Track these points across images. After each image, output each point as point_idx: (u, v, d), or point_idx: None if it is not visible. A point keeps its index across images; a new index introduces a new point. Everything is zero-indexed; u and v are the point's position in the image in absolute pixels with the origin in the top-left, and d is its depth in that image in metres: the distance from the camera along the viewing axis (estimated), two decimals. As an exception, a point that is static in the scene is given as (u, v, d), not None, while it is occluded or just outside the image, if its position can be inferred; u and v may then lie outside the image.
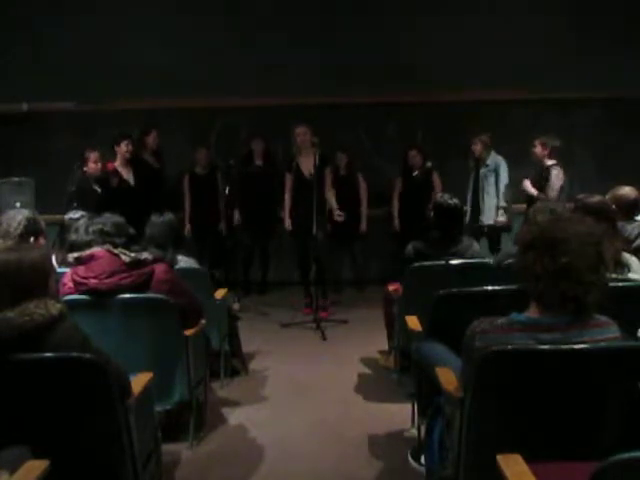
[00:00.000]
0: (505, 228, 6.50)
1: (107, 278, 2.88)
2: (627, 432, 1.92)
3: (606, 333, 1.95)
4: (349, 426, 3.55)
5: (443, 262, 3.79)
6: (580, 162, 6.51)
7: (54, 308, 2.11)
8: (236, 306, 4.66)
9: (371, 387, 4.17)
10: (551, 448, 1.90)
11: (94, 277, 2.88)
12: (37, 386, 2.10)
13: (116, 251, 2.94)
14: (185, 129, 7.26)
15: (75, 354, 2.10)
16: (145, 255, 3.06)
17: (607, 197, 3.68)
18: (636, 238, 3.49)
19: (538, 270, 1.89)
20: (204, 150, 6.83)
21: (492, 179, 6.50)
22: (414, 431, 3.31)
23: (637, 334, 2.41)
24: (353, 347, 4.93)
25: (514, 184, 6.81)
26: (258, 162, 6.78)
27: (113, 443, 2.19)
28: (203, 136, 7.22)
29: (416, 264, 3.79)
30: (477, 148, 6.51)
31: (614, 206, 3.48)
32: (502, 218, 6.46)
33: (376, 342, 4.75)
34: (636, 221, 3.71)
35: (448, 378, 2.29)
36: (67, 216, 5.13)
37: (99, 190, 5.70)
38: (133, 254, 2.98)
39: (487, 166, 6.52)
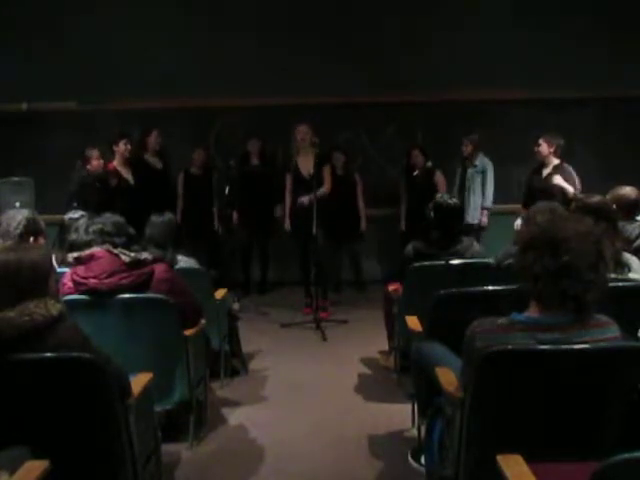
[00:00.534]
0: (484, 228, 6.61)
1: (107, 278, 2.88)
2: (627, 432, 1.92)
3: (606, 333, 1.95)
4: (349, 426, 3.55)
5: (443, 262, 3.79)
6: (580, 162, 6.49)
7: (54, 308, 2.11)
8: (236, 306, 4.65)
9: (371, 387, 4.17)
10: (551, 448, 1.90)
11: (94, 277, 2.88)
12: (37, 386, 2.10)
13: (116, 251, 2.94)
14: (185, 129, 7.25)
15: (75, 354, 2.10)
16: (145, 255, 3.06)
17: (607, 197, 3.68)
18: (636, 238, 3.49)
19: (538, 270, 1.89)
20: (201, 151, 6.82)
21: (479, 180, 6.59)
22: (414, 431, 3.31)
23: (637, 334, 2.41)
24: (353, 347, 4.93)
25: (515, 184, 6.83)
26: (255, 162, 6.78)
27: (113, 443, 2.19)
28: (203, 136, 7.22)
29: (416, 264, 3.79)
30: (468, 149, 6.56)
31: (614, 206, 3.48)
32: (485, 219, 6.58)
33: (376, 342, 4.74)
34: (636, 221, 3.71)
35: (448, 378, 2.29)
36: (67, 216, 5.13)
37: (101, 189, 5.69)
38: (133, 254, 2.98)
39: (475, 167, 6.59)
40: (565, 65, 6.92)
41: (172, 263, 3.60)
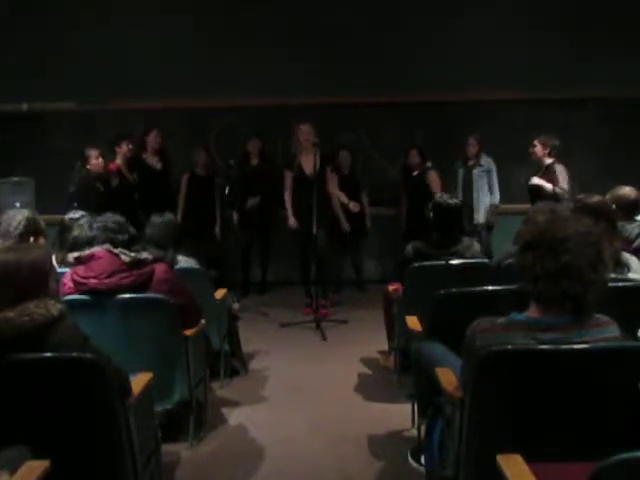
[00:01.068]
0: (491, 227, 6.63)
1: (107, 278, 2.88)
2: (627, 432, 1.92)
3: (606, 333, 1.95)
4: (349, 426, 3.55)
5: (443, 262, 3.79)
6: (580, 162, 6.51)
7: (54, 308, 2.11)
8: (236, 306, 4.65)
9: (371, 387, 4.17)
10: (551, 448, 1.90)
11: (94, 277, 2.88)
12: (37, 386, 2.09)
13: (116, 251, 2.94)
14: (185, 129, 7.26)
15: (75, 354, 2.10)
16: (145, 255, 3.06)
17: (607, 197, 3.68)
18: (636, 238, 3.49)
19: (538, 270, 1.89)
20: (203, 152, 6.82)
21: (486, 179, 6.62)
22: (414, 431, 3.30)
23: (637, 334, 2.41)
24: (353, 347, 4.93)
25: (516, 184, 6.83)
26: (255, 162, 6.78)
27: (113, 443, 2.19)
28: (203, 136, 7.22)
29: (416, 264, 3.79)
30: (474, 149, 6.56)
31: (614, 206, 3.48)
32: (493, 218, 6.60)
33: (376, 342, 4.74)
34: (636, 221, 3.71)
35: (448, 378, 2.29)
36: (67, 216, 5.12)
37: (101, 188, 5.69)
38: (133, 254, 2.97)
39: (481, 166, 6.62)
40: (565, 65, 6.93)
41: (172, 263, 3.60)
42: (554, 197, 5.79)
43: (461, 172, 6.74)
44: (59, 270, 2.99)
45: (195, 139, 7.08)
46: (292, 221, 6.12)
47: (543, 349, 1.91)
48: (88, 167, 5.72)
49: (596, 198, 3.36)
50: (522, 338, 1.94)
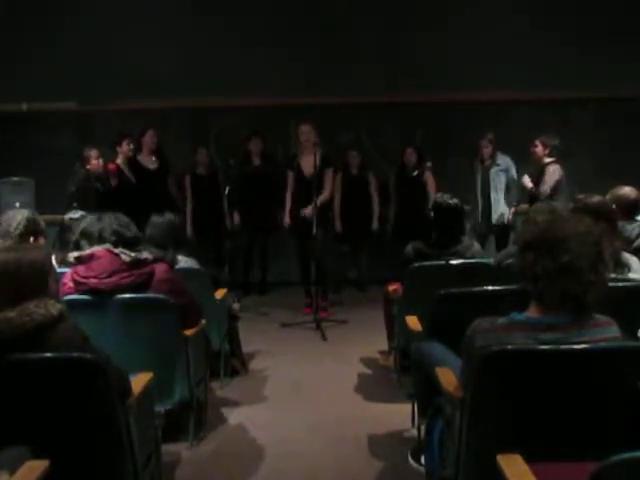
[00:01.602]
0: (512, 227, 6.56)
1: (107, 278, 2.88)
2: (627, 432, 1.92)
3: (606, 333, 1.95)
4: (349, 426, 3.54)
5: (443, 262, 3.79)
6: (580, 162, 6.51)
7: (54, 308, 2.11)
8: (236, 306, 4.65)
9: (371, 387, 4.17)
10: (551, 448, 1.90)
11: (94, 277, 2.88)
12: (37, 386, 2.09)
13: (116, 251, 2.93)
14: (185, 129, 7.26)
15: (75, 354, 2.10)
16: (145, 255, 3.05)
17: (607, 197, 3.68)
18: (636, 238, 3.49)
19: (538, 270, 1.89)
20: (204, 150, 6.83)
21: (504, 178, 6.54)
22: (414, 431, 3.30)
23: (637, 334, 2.41)
24: (353, 347, 4.93)
25: (515, 184, 6.81)
26: (256, 162, 6.78)
27: (113, 443, 2.19)
28: (203, 136, 7.22)
29: (416, 264, 3.79)
30: (488, 150, 6.52)
31: (614, 206, 3.48)
32: (512, 217, 6.52)
33: (376, 342, 4.74)
34: (636, 221, 3.71)
35: (448, 378, 2.29)
36: (67, 216, 5.13)
37: (101, 189, 5.69)
38: (133, 254, 2.97)
39: (498, 165, 6.54)
40: (565, 65, 6.93)
41: (172, 263, 3.59)
42: (533, 196, 5.87)
43: (480, 174, 6.68)
44: (59, 270, 2.99)
45: (195, 139, 7.08)
46: (286, 220, 6.13)
47: (543, 349, 1.91)
48: (88, 167, 5.72)
49: (596, 198, 3.36)
50: (522, 338, 1.94)
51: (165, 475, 2.89)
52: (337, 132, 7.18)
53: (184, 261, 3.92)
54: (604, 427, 1.94)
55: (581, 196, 3.50)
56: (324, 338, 5.25)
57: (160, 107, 7.12)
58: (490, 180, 6.55)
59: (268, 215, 6.73)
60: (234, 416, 3.75)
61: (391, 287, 4.18)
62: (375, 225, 6.90)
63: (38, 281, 2.13)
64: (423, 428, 2.77)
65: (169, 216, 3.99)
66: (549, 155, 6.03)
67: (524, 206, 6.20)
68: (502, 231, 6.48)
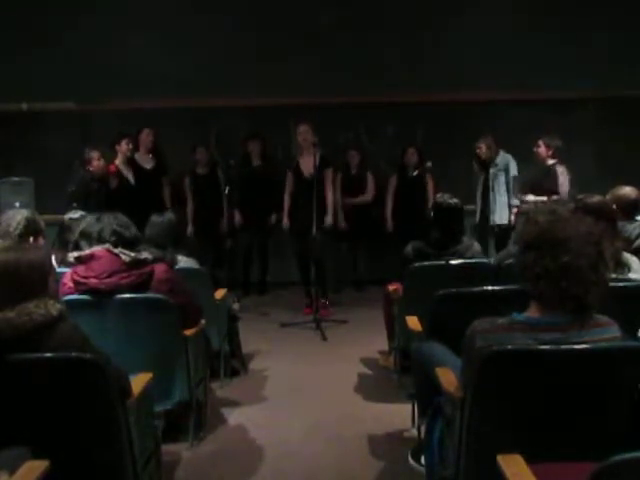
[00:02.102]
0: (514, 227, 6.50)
1: (107, 278, 2.87)
2: (627, 432, 1.92)
3: (606, 333, 1.95)
4: (349, 426, 3.54)
5: (443, 262, 3.79)
6: (580, 162, 6.50)
7: (54, 308, 2.11)
8: (236, 306, 4.65)
9: (371, 387, 4.17)
10: (551, 448, 1.90)
11: (94, 277, 2.87)
12: (37, 386, 2.09)
13: (116, 251, 2.93)
14: (185, 129, 7.25)
15: (75, 354, 2.10)
16: (145, 255, 3.05)
17: (607, 197, 3.68)
18: (636, 238, 3.49)
19: (538, 270, 1.89)
20: (203, 149, 6.83)
21: (502, 178, 6.48)
22: (414, 431, 3.30)
23: (637, 334, 2.41)
24: (353, 347, 4.93)
25: (515, 184, 6.81)
26: (256, 162, 6.78)
27: (113, 443, 2.19)
28: (203, 136, 7.22)
29: (416, 264, 3.79)
30: (481, 151, 6.51)
31: (614, 206, 3.48)
32: (514, 217, 6.42)
33: (376, 342, 4.75)
34: (636, 221, 3.71)
35: (448, 378, 2.29)
36: (67, 216, 5.13)
37: (100, 189, 5.69)
38: (133, 254, 2.97)
39: (496, 165, 6.50)
40: (565, 65, 6.93)
41: (172, 263, 3.59)
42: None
43: (481, 177, 6.63)
44: (59, 270, 2.99)
45: (195, 139, 7.07)
46: (285, 221, 6.13)
47: (543, 349, 1.91)
48: (89, 168, 5.71)
49: (596, 198, 3.36)
50: (522, 338, 1.94)
51: (165, 475, 2.89)
52: (337, 132, 7.18)
53: (184, 261, 3.92)
54: (604, 427, 1.94)
55: (581, 196, 3.50)
56: (324, 338, 5.25)
57: (160, 107, 7.11)
58: (489, 181, 6.54)
59: (267, 215, 6.73)
60: (234, 416, 3.75)
61: (391, 287, 4.18)
62: (370, 225, 6.89)
63: (38, 281, 2.13)
64: (423, 428, 2.77)
65: (169, 216, 3.99)
66: (552, 156, 6.00)
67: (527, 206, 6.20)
68: (502, 232, 6.43)
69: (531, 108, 7.13)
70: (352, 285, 7.21)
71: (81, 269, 2.91)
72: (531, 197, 6.02)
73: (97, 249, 2.94)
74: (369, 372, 4.48)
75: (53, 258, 3.07)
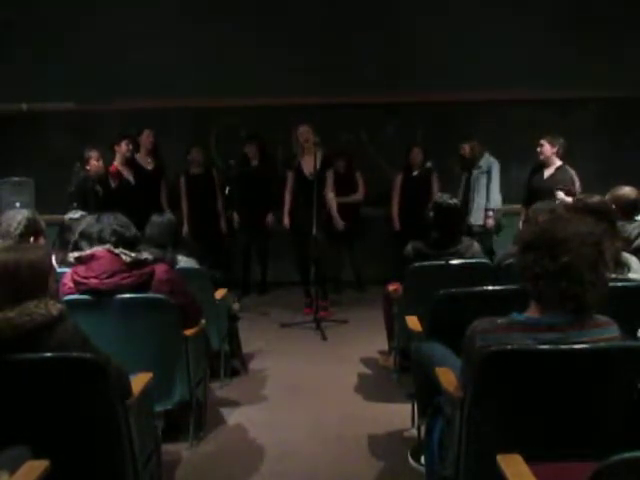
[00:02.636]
0: (494, 230, 6.50)
1: (108, 278, 2.88)
2: (627, 432, 1.92)
3: (606, 333, 1.95)
4: (349, 426, 3.55)
5: (443, 262, 3.79)
6: (580, 162, 6.50)
7: (54, 308, 2.11)
8: (236, 306, 4.65)
9: (371, 387, 4.17)
10: (551, 448, 1.90)
11: (94, 277, 2.88)
12: (37, 386, 2.10)
13: (117, 251, 2.94)
14: (185, 129, 7.26)
15: (75, 354, 2.10)
16: (146, 255, 3.05)
17: (607, 197, 3.68)
18: (636, 238, 3.49)
19: (538, 270, 1.89)
20: (199, 149, 6.82)
21: (484, 181, 6.48)
22: (414, 431, 3.31)
23: (637, 334, 2.41)
24: (353, 347, 4.93)
25: (516, 184, 6.82)
26: (255, 163, 6.78)
27: (113, 443, 2.19)
28: (203, 136, 7.22)
29: (416, 264, 3.79)
30: (465, 151, 6.53)
31: (614, 206, 3.48)
32: (491, 220, 6.43)
33: (376, 342, 4.75)
34: (636, 221, 3.71)
35: (448, 378, 2.29)
36: (67, 216, 5.12)
37: (100, 190, 5.70)
38: (134, 254, 2.97)
39: (479, 168, 6.52)
40: (565, 65, 6.93)
41: (172, 263, 3.59)
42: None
43: (464, 177, 6.67)
44: (59, 270, 3.00)
45: (195, 139, 7.07)
46: (286, 221, 6.13)
47: (543, 349, 1.91)
48: (88, 168, 5.72)
49: (596, 198, 3.36)
50: (522, 338, 1.94)
51: (165, 475, 2.89)
52: (337, 132, 7.18)
53: (184, 261, 3.92)
54: (604, 427, 1.94)
55: (581, 196, 3.50)
56: (324, 338, 5.25)
57: (160, 107, 7.12)
58: (471, 182, 6.54)
59: (267, 215, 6.73)
60: (234, 416, 3.75)
61: (391, 287, 4.18)
62: (358, 227, 6.88)
63: (38, 281, 2.13)
64: (423, 428, 2.77)
65: (169, 216, 3.99)
66: (557, 155, 5.95)
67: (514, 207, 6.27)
68: (482, 234, 6.34)
69: (531, 108, 7.13)
70: (351, 285, 7.20)
71: (81, 269, 2.91)
72: (561, 195, 5.68)
73: (98, 249, 2.94)
74: (369, 372, 4.48)
75: (53, 258, 3.07)
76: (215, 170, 6.88)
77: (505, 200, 6.72)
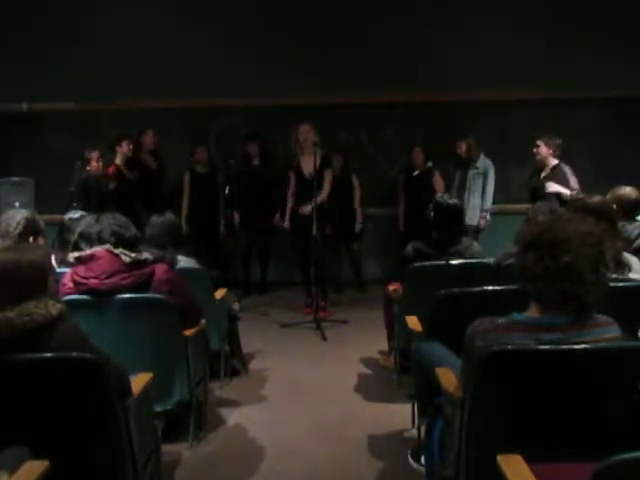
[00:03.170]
0: (483, 230, 6.57)
1: (107, 278, 2.87)
2: (627, 432, 1.91)
3: (606, 333, 1.95)
4: (349, 426, 3.55)
5: (443, 262, 3.79)
6: (580, 162, 6.50)
7: (54, 308, 2.11)
8: (236, 306, 4.65)
9: (371, 387, 4.17)
10: (551, 448, 1.90)
11: (94, 277, 2.87)
12: (37, 386, 2.09)
13: (116, 251, 2.93)
14: (185, 129, 7.26)
15: (75, 354, 2.09)
16: (145, 255, 3.05)
17: (607, 197, 3.68)
18: (637, 238, 3.49)
19: (539, 270, 1.89)
20: (204, 148, 6.84)
21: (480, 181, 6.55)
22: (414, 431, 3.31)
23: (637, 334, 2.41)
24: (353, 347, 4.93)
25: (515, 184, 6.83)
26: (256, 162, 6.78)
27: (113, 443, 2.19)
28: (203, 136, 7.22)
29: (416, 264, 3.79)
30: (462, 150, 6.55)
31: (614, 206, 3.48)
32: (484, 221, 6.54)
33: (376, 342, 4.75)
34: (637, 221, 3.71)
35: (448, 378, 2.29)
36: (67, 216, 5.12)
37: (100, 190, 5.69)
38: (134, 254, 2.97)
39: (477, 168, 6.56)
40: (565, 65, 6.93)
41: (172, 263, 3.59)
42: (561, 201, 5.75)
43: (458, 174, 6.71)
44: (59, 270, 2.99)
45: (195, 139, 7.07)
46: (287, 222, 6.12)
47: (543, 349, 1.91)
48: (88, 169, 5.72)
49: (596, 198, 3.36)
50: (522, 338, 1.94)
51: (165, 475, 2.89)
52: (337, 132, 7.18)
53: (184, 261, 3.92)
54: (604, 427, 1.94)
55: (581, 196, 3.50)
56: (324, 338, 5.25)
57: (160, 107, 7.12)
58: (466, 181, 6.56)
59: (267, 216, 6.74)
60: (234, 416, 3.75)
61: (391, 287, 4.18)
62: (358, 227, 6.90)
63: (38, 281, 2.13)
64: (423, 428, 2.77)
65: (169, 216, 3.98)
66: (555, 155, 5.98)
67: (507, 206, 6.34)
68: (472, 234, 6.43)
69: (531, 108, 7.13)
70: (353, 285, 7.20)
71: (81, 269, 2.91)
72: (556, 186, 5.77)
73: (98, 249, 2.94)
74: (369, 372, 4.48)
75: (53, 258, 3.07)
76: (220, 173, 6.88)
77: (505, 200, 6.73)
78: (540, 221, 1.97)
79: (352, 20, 7.13)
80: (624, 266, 2.99)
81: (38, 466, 1.84)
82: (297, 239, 6.11)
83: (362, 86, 7.09)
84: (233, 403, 3.94)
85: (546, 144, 5.96)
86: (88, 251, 2.94)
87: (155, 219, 3.88)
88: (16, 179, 6.57)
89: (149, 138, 6.48)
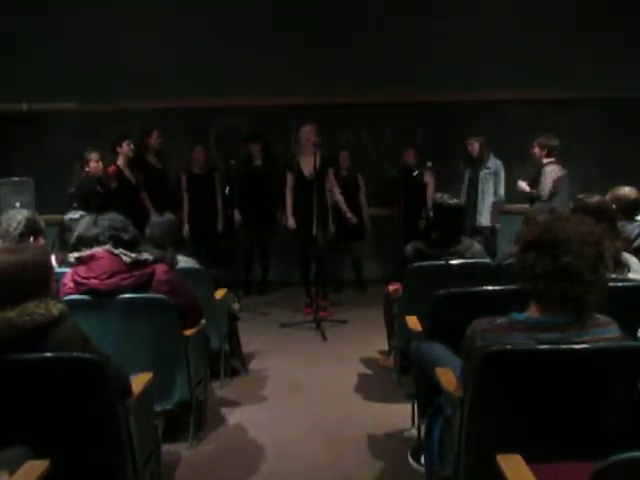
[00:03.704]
0: (496, 229, 6.59)
1: (108, 278, 2.87)
2: (627, 432, 1.92)
3: (606, 333, 1.95)
4: (349, 426, 3.55)
5: (443, 262, 3.79)
6: (580, 162, 6.51)
7: (55, 308, 2.11)
8: (236, 306, 4.65)
9: (371, 387, 4.17)
10: (551, 448, 1.90)
11: (95, 277, 2.87)
12: (37, 386, 2.10)
13: (117, 251, 2.93)
14: (185, 129, 7.26)
15: (75, 354, 2.10)
16: (146, 255, 3.05)
17: (607, 197, 3.68)
18: (636, 238, 3.49)
19: (538, 270, 1.89)
20: (201, 149, 6.83)
21: (491, 182, 6.56)
22: (414, 431, 3.31)
23: (637, 334, 2.41)
24: (353, 347, 4.93)
25: (516, 184, 6.82)
26: (257, 162, 6.78)
27: (113, 443, 2.19)
28: (203, 136, 7.22)
29: (416, 264, 3.79)
30: (474, 147, 6.55)
31: (614, 206, 3.48)
32: (495, 217, 6.56)
33: (376, 342, 4.75)
34: (636, 221, 3.71)
35: (448, 378, 2.29)
36: (67, 216, 5.14)
37: (100, 190, 5.70)
38: (134, 254, 2.97)
39: (488, 168, 6.56)
40: (565, 65, 6.92)
41: (172, 263, 3.59)
42: (533, 199, 5.91)
43: (467, 173, 6.71)
44: (59, 270, 3.00)
45: (195, 139, 7.08)
46: (291, 222, 6.12)
47: (543, 349, 1.91)
48: (87, 170, 5.72)
49: (596, 198, 3.37)
50: (522, 338, 1.94)
51: (165, 475, 2.89)
52: (337, 132, 7.18)
53: (184, 261, 3.92)
54: (604, 427, 1.94)
55: (581, 196, 3.50)
56: (324, 338, 5.25)
57: (160, 107, 7.12)
58: (478, 181, 6.56)
59: (268, 216, 6.74)
60: (234, 416, 3.75)
61: (391, 287, 4.18)
62: (367, 227, 6.94)
63: (38, 281, 2.13)
64: (423, 428, 2.77)
65: (169, 216, 3.99)
66: (547, 156, 6.05)
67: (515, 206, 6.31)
68: (489, 233, 6.49)
69: (531, 108, 7.13)
70: (352, 285, 7.20)
71: (82, 270, 2.91)
72: (522, 184, 6.19)
73: (98, 250, 2.94)
74: (369, 372, 4.48)
75: (53, 258, 3.07)
76: (217, 172, 6.88)
77: (505, 200, 6.73)
78: (540, 221, 1.97)
79: (352, 20, 7.13)
80: (623, 266, 2.99)
81: (38, 466, 1.85)
82: (298, 239, 6.10)
83: (362, 86, 7.09)
84: (233, 403, 3.94)
85: (540, 145, 6.02)
86: (88, 251, 2.94)
87: (155, 219, 3.89)
88: (16, 179, 6.57)
89: (154, 138, 6.48)
